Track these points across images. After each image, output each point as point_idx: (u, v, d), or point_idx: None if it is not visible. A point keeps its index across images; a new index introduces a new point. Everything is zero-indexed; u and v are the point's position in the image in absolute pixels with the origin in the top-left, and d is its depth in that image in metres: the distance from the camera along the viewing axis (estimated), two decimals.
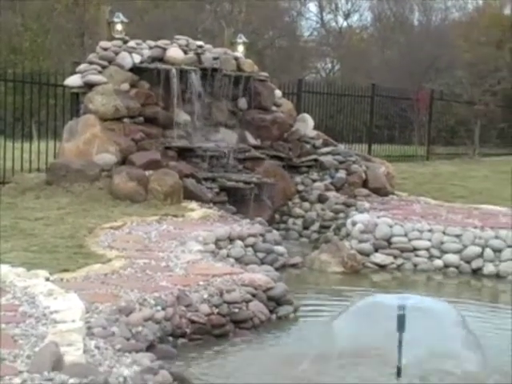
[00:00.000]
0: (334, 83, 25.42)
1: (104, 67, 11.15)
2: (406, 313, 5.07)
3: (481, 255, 9.25)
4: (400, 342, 5.07)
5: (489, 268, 9.16)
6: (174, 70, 11.08)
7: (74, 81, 11.16)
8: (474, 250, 9.28)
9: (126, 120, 10.86)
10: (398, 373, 5.07)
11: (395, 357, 5.06)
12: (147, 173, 10.14)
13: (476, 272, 9.20)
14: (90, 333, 4.72)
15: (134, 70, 11.19)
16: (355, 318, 5.26)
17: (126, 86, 11.07)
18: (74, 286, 5.83)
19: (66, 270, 6.33)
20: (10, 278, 5.76)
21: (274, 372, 5.22)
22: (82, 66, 11.27)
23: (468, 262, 9.26)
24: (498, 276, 9.07)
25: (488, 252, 9.23)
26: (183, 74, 11.18)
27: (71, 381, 3.73)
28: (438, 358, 5.04)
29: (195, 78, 11.22)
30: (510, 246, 9.19)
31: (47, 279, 5.93)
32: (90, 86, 10.95)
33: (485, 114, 21.80)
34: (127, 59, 11.18)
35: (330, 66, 40.26)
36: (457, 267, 9.27)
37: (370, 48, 37.77)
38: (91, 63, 11.22)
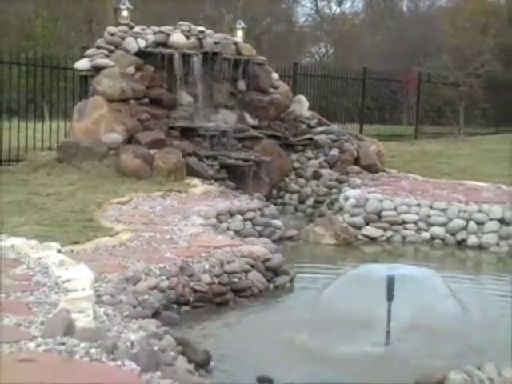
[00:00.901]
0: (327, 66, 25.29)
1: (111, 51, 11.11)
2: (395, 282, 5.10)
3: (465, 228, 9.27)
4: (389, 310, 5.10)
5: (472, 240, 9.17)
6: (176, 54, 11.05)
7: (82, 64, 11.13)
8: (458, 223, 9.30)
9: (131, 101, 10.84)
10: (387, 339, 5.10)
11: (384, 323, 5.10)
12: (152, 151, 10.14)
13: (460, 243, 9.22)
14: (100, 300, 4.73)
15: (140, 54, 11.15)
16: (347, 287, 5.28)
17: (131, 70, 11.03)
18: (84, 257, 5.84)
19: (76, 243, 6.35)
20: (25, 250, 5.77)
21: (270, 337, 5.24)
22: (90, 51, 11.24)
23: (453, 235, 9.28)
24: (480, 247, 9.09)
25: (471, 225, 9.25)
26: (186, 58, 11.14)
27: (82, 345, 3.74)
28: (425, 320, 5.06)
29: (197, 62, 11.19)
30: (491, 219, 9.21)
31: (59, 251, 5.93)
32: (97, 69, 10.92)
33: (469, 95, 21.74)
34: (133, 44, 11.14)
35: (323, 50, 40.09)
36: (442, 239, 9.29)
37: (362, 33, 37.56)
38: (99, 48, 11.18)
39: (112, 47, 11.14)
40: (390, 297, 5.10)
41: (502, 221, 9.17)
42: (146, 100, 11.00)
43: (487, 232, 9.16)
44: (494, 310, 6.27)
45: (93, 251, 6.15)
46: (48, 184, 9.30)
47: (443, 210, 9.43)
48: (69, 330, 3.92)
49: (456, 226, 9.28)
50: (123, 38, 11.21)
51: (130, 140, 10.50)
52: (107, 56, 11.02)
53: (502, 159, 15.88)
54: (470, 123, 22.44)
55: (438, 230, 9.33)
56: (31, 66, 11.95)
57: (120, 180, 9.71)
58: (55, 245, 6.06)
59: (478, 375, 3.72)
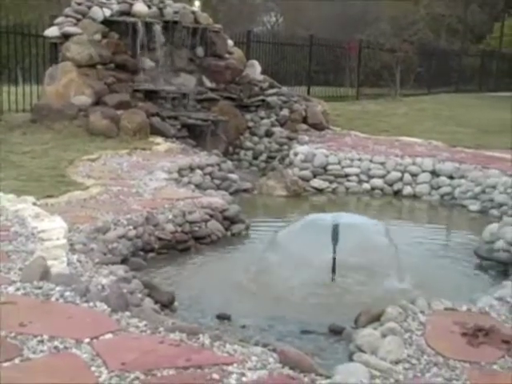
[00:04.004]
0: (278, 34, 25.14)
1: (78, 20, 10.83)
2: (339, 227, 5.16)
3: (401, 179, 9.38)
4: (334, 252, 5.16)
5: (407, 190, 9.29)
6: (139, 23, 10.83)
7: (52, 32, 10.84)
8: (395, 175, 9.40)
9: (99, 66, 10.62)
10: (333, 276, 5.17)
11: (330, 263, 5.16)
12: (118, 112, 10.01)
13: (397, 193, 9.33)
14: (73, 249, 4.70)
15: (105, 22, 10.88)
16: (297, 233, 5.33)
17: (98, 37, 10.79)
18: (58, 209, 5.78)
19: (50, 196, 6.27)
20: (2, 203, 5.69)
21: (227, 279, 5.27)
22: (60, 19, 10.94)
23: (390, 185, 9.38)
24: (414, 196, 9.22)
25: (407, 176, 9.36)
26: (148, 26, 10.92)
27: (57, 288, 3.72)
28: (366, 260, 5.14)
29: (158, 30, 10.99)
30: (424, 171, 9.33)
31: (34, 204, 5.86)
32: (66, 36, 10.65)
33: (404, 60, 21.80)
34: (99, 13, 10.86)
35: (274, 19, 39.77)
36: (381, 189, 9.39)
37: (309, 3, 37.29)
38: (67, 16, 10.89)
39: (79, 16, 10.86)
40: (335, 241, 5.16)
41: (433, 172, 9.29)
42: (112, 65, 10.79)
43: (420, 183, 9.28)
44: (422, 252, 6.40)
45: (66, 204, 6.08)
46: (23, 143, 9.12)
47: (382, 164, 9.52)
48: (45, 275, 3.89)
49: (393, 177, 9.39)
50: (89, 8, 10.93)
51: (98, 102, 10.33)
52: (75, 24, 10.74)
53: (432, 117, 16.08)
54: (405, 85, 22.54)
55: (378, 182, 9.42)
56: (4, 34, 11.61)
57: (89, 139, 9.58)
58: (31, 198, 5.99)
59: (411, 309, 3.80)
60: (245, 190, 9.05)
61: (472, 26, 31.48)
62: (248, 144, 11.48)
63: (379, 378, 2.99)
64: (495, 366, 3.19)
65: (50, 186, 6.76)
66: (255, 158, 11.32)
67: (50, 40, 11.04)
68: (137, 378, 2.78)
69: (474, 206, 8.44)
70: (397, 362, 3.19)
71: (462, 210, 8.52)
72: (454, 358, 3.24)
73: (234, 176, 9.03)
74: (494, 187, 8.35)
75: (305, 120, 12.08)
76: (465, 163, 9.25)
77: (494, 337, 3.44)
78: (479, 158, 9.79)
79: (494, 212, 8.02)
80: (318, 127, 12.03)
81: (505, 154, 10.38)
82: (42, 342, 3.07)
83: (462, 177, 9.01)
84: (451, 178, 9.11)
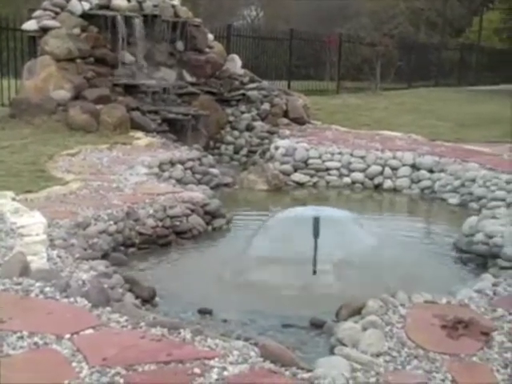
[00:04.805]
0: (258, 28, 25.12)
1: (57, 13, 10.74)
2: (321, 221, 5.17)
3: (381, 173, 9.41)
4: (315, 246, 5.17)
5: (388, 183, 9.33)
6: (119, 17, 10.76)
7: (30, 25, 10.74)
8: (375, 168, 9.43)
9: (78, 60, 10.54)
10: (314, 270, 5.18)
11: (311, 256, 5.18)
12: (98, 106, 9.96)
13: (377, 187, 9.36)
14: (53, 244, 4.68)
15: (84, 16, 10.79)
16: (278, 227, 5.33)
17: (77, 31, 10.70)
18: (37, 204, 5.74)
19: (29, 191, 6.22)
20: None
21: (209, 274, 5.27)
22: (38, 13, 10.84)
23: (371, 179, 9.41)
24: (395, 190, 9.25)
25: (387, 170, 9.39)
26: (127, 20, 10.85)
27: (37, 284, 3.70)
28: (346, 254, 5.15)
29: (138, 24, 10.93)
30: (404, 165, 9.37)
31: (13, 199, 5.82)
32: (44, 30, 10.55)
33: (384, 54, 21.89)
34: (77, 6, 10.78)
35: (254, 13, 39.70)
36: (362, 183, 9.42)
37: None
38: (45, 10, 10.79)
39: (58, 9, 10.76)
40: (316, 234, 5.17)
41: (413, 166, 9.34)
42: (92, 59, 10.71)
43: (400, 176, 9.32)
44: (403, 246, 6.44)
45: (45, 199, 6.05)
46: (2, 138, 9.04)
47: (362, 158, 9.55)
48: (24, 271, 3.87)
49: (373, 171, 9.42)
50: (68, 1, 10.83)
51: (78, 96, 10.26)
52: (53, 18, 10.64)
53: (412, 111, 16.17)
54: (386, 79, 22.65)
55: (358, 176, 9.45)
56: None
57: (69, 134, 9.52)
58: (10, 193, 5.95)
59: (392, 302, 3.82)
60: (226, 185, 9.04)
61: (451, 19, 31.67)
62: (229, 138, 11.47)
63: (360, 371, 3.00)
64: (475, 358, 3.22)
65: (30, 181, 6.71)
66: (236, 152, 11.31)
67: (28, 34, 10.95)
68: (118, 373, 2.78)
69: (454, 200, 8.50)
70: (377, 355, 3.21)
71: (442, 204, 8.58)
72: (434, 350, 3.27)
73: (214, 170, 9.01)
74: (473, 180, 8.41)
75: (285, 114, 12.08)
76: (444, 157, 9.31)
77: (474, 329, 3.47)
78: (458, 151, 9.85)
79: (474, 205, 8.08)
80: (298, 121, 12.05)
81: (483, 147, 10.48)
82: (21, 338, 3.05)
83: (441, 170, 9.06)
84: (431, 171, 9.16)
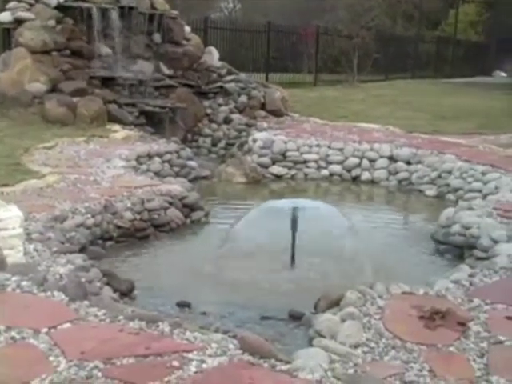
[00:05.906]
0: (235, 21, 25.07)
1: (31, 5, 10.62)
2: (299, 214, 5.18)
3: (359, 165, 9.44)
4: (293, 238, 5.18)
5: (365, 175, 9.36)
6: (94, 8, 10.68)
7: (4, 17, 10.62)
8: (353, 160, 9.46)
9: (53, 53, 10.45)
10: (292, 263, 5.19)
11: (289, 249, 5.19)
12: (75, 99, 9.89)
13: (355, 179, 9.39)
14: (29, 238, 4.64)
15: (59, 7, 10.68)
16: (256, 219, 5.33)
17: (52, 23, 10.60)
18: (14, 198, 5.68)
19: (5, 185, 6.16)
20: None
21: (186, 267, 5.26)
22: (12, 4, 10.71)
23: (349, 171, 9.44)
24: (372, 182, 9.29)
25: (365, 162, 9.43)
26: (103, 12, 10.78)
27: (14, 278, 3.67)
28: (325, 246, 5.17)
29: (114, 16, 10.86)
30: (382, 157, 9.40)
31: None
32: (19, 21, 10.45)
33: (361, 46, 21.94)
34: None
35: (232, 5, 39.55)
36: (340, 175, 9.44)
37: None
38: (20, 1, 10.67)
39: (32, 1, 10.63)
40: (294, 227, 5.19)
41: (390, 158, 9.38)
42: (67, 51, 10.62)
43: (378, 168, 9.36)
44: (380, 237, 6.47)
45: (22, 193, 5.99)
46: None
47: (340, 150, 9.57)
48: (0, 265, 3.83)
49: (351, 163, 9.45)
50: None
51: (54, 89, 10.17)
52: (28, 9, 10.53)
53: (389, 103, 16.24)
54: (363, 71, 22.70)
55: (336, 168, 9.47)
56: None
57: (45, 127, 9.43)
58: None
59: (370, 293, 3.84)
60: (204, 177, 9.02)
61: (427, 12, 31.78)
62: (207, 131, 11.44)
63: (338, 362, 3.02)
64: (451, 348, 3.25)
65: (6, 174, 6.65)
66: (214, 145, 11.29)
67: (2, 25, 10.82)
68: (96, 366, 2.77)
69: (431, 191, 8.56)
70: (356, 346, 3.23)
71: (419, 195, 8.63)
72: (412, 340, 3.30)
73: (192, 163, 8.99)
74: (449, 172, 8.47)
75: (263, 107, 12.08)
76: (421, 148, 9.36)
77: (451, 319, 3.50)
78: (435, 143, 9.91)
79: (451, 197, 8.15)
80: (276, 114, 12.05)
81: (460, 139, 10.56)
82: None
83: (418, 162, 9.11)
84: (408, 163, 9.21)
